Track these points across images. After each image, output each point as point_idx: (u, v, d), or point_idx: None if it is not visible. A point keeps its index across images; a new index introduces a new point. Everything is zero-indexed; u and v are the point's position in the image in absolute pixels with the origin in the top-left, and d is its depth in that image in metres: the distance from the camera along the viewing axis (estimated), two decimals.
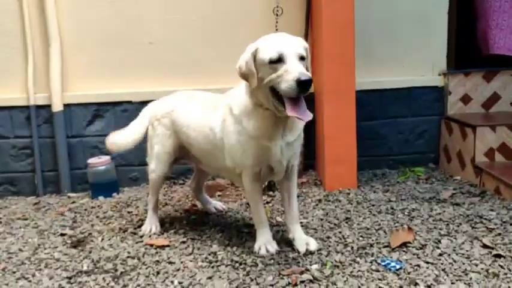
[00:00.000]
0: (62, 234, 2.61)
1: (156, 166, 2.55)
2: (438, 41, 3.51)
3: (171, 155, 2.53)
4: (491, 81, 3.47)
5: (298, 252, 2.18)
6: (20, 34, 3.33)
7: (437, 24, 3.49)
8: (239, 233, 2.48)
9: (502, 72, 3.46)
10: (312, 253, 2.17)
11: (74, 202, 3.21)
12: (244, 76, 2.02)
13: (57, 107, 3.33)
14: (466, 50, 3.64)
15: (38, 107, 3.37)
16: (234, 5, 3.42)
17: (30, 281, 2.09)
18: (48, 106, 3.36)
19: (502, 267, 1.97)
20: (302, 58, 1.94)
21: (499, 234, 2.29)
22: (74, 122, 3.43)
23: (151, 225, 2.60)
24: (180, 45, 3.44)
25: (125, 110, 3.44)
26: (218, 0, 3.41)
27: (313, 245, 2.21)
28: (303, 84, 1.83)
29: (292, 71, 1.86)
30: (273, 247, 2.21)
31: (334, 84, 3.04)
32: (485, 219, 2.47)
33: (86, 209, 3.02)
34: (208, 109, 2.32)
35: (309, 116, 1.91)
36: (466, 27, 3.64)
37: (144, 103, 3.30)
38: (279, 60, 1.91)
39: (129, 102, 3.43)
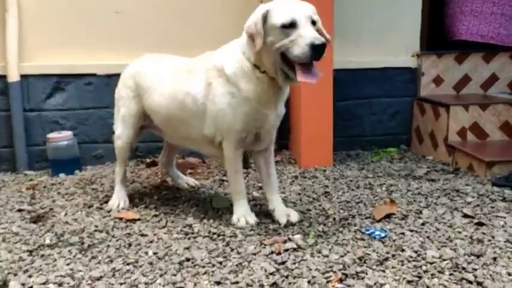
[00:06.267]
0: (20, 210, 2.39)
1: (122, 131, 2.40)
2: (411, 22, 3.50)
3: (137, 120, 2.38)
4: (463, 64, 3.50)
5: (279, 224, 2.09)
6: None
7: (411, 6, 3.48)
8: (214, 207, 2.36)
9: (473, 54, 3.49)
10: (293, 224, 2.08)
11: (31, 180, 2.97)
12: (251, 37, 1.93)
13: (13, 77, 3.07)
14: (438, 31, 3.65)
15: None
16: None
17: None
18: (3, 77, 3.09)
19: (485, 234, 1.96)
20: (313, 23, 1.90)
21: (478, 205, 2.29)
22: (32, 95, 3.17)
23: (119, 199, 2.43)
24: (149, 15, 3.25)
25: (89, 83, 3.23)
26: None
27: (295, 216, 2.12)
28: (317, 49, 1.79)
29: (306, 36, 1.82)
30: (253, 218, 2.11)
31: None
32: (462, 192, 2.47)
33: (45, 186, 2.79)
34: (181, 73, 2.18)
35: (317, 78, 1.88)
36: (439, 10, 3.65)
37: (110, 76, 3.16)
38: (292, 25, 1.85)
39: (94, 75, 3.22)
